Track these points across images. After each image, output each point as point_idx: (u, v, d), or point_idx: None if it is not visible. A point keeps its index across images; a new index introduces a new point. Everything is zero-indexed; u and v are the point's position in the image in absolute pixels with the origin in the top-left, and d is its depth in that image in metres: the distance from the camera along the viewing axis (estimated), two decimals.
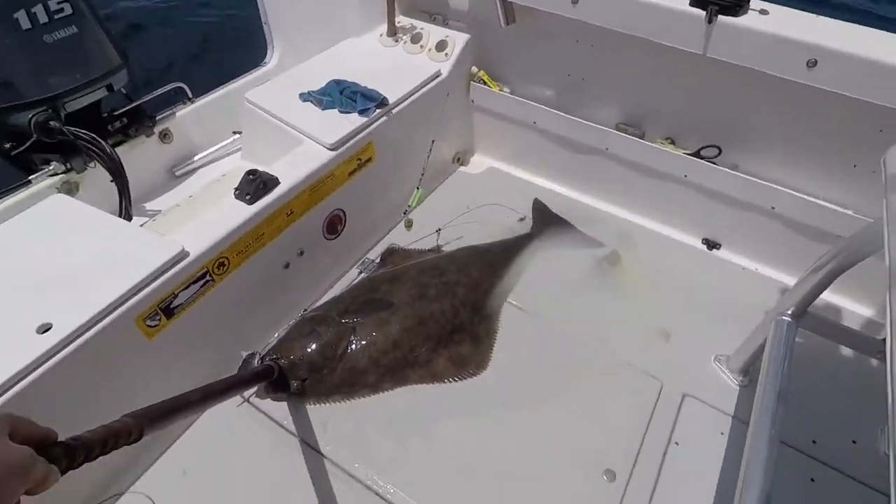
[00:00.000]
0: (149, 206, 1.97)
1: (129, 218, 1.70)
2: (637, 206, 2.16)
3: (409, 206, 2.00)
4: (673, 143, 2.03)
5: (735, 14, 1.60)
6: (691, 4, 1.62)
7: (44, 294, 1.18)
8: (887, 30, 1.58)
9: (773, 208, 1.86)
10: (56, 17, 1.58)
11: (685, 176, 1.96)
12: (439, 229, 2.02)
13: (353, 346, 1.51)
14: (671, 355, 1.68)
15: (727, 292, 1.89)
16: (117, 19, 4.35)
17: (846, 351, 1.70)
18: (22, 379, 1.06)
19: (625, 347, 1.68)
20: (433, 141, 1.98)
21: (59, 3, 1.58)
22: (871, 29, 1.58)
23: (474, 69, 2.19)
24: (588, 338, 1.71)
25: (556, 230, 2.06)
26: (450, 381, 1.56)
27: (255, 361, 1.44)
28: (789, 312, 1.41)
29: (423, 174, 1.98)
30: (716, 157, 1.94)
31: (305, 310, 1.68)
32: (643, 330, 1.75)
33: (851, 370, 1.69)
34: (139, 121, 1.90)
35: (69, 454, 0.63)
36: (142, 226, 1.74)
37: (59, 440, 0.63)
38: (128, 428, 0.74)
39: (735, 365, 1.63)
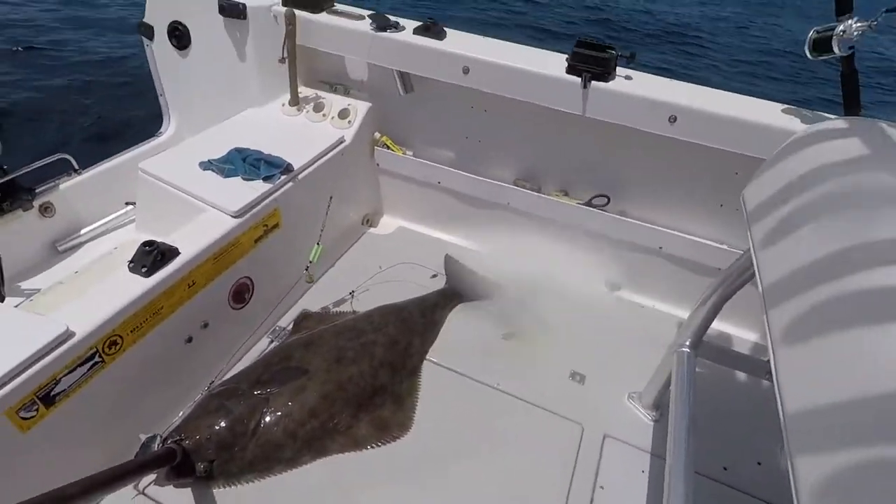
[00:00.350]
0: (26, 284, 1.79)
1: (1, 299, 1.53)
2: (541, 255, 2.28)
3: (310, 262, 1.95)
4: (567, 194, 2.21)
5: (605, 80, 1.82)
6: (567, 72, 1.83)
7: None
8: (733, 91, 1.88)
9: (660, 248, 2.06)
10: None
11: (580, 224, 2.13)
12: (353, 292, 2.00)
13: (267, 419, 1.42)
14: (588, 397, 1.75)
15: (632, 330, 2.02)
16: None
17: (741, 375, 1.86)
18: None
19: (543, 395, 1.73)
20: (331, 197, 1.99)
21: None
22: (721, 91, 1.87)
23: (377, 135, 2.28)
24: (507, 389, 1.73)
25: (467, 284, 2.12)
26: (372, 447, 1.50)
27: (156, 445, 1.31)
28: (686, 343, 1.52)
29: (322, 229, 1.97)
30: (605, 205, 2.13)
31: (212, 383, 1.57)
32: (559, 375, 1.81)
33: (749, 393, 1.84)
34: (15, 194, 1.76)
35: None
36: (16, 306, 1.57)
37: None
38: None
39: (647, 400, 1.72)
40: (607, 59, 1.81)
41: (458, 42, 1.99)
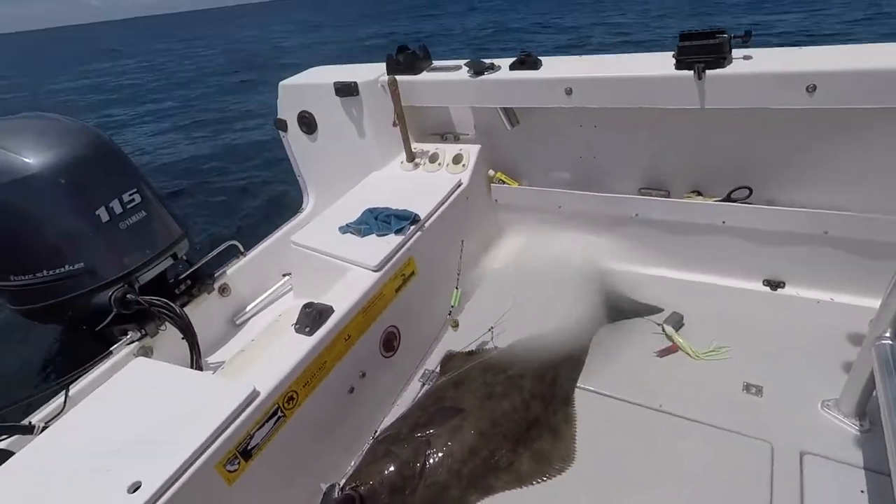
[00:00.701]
0: (216, 355, 2.08)
1: (200, 369, 1.79)
2: (684, 264, 2.13)
3: (451, 307, 2.04)
4: (701, 194, 2.06)
5: (721, 66, 1.70)
6: (677, 68, 1.75)
7: (133, 453, 1.23)
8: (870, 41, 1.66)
9: (826, 233, 1.81)
10: (128, 206, 1.82)
11: (723, 222, 1.96)
12: (492, 328, 2.02)
13: (431, 461, 1.46)
14: (771, 411, 1.54)
15: (807, 330, 1.78)
16: (178, 195, 4.97)
17: None
18: None
19: (717, 413, 1.56)
20: (462, 241, 2.07)
21: (130, 194, 1.83)
22: (860, 45, 1.66)
23: (491, 172, 2.34)
24: (672, 410, 1.60)
25: (609, 305, 2.03)
26: (537, 482, 1.46)
27: (336, 493, 1.40)
28: (887, 335, 1.30)
29: (458, 274, 2.04)
30: (748, 197, 1.95)
31: (376, 432, 1.66)
32: (730, 389, 1.63)
33: None
34: (201, 280, 2.08)
35: None
36: (213, 374, 1.82)
37: None
38: None
39: (847, 408, 1.48)
40: (719, 44, 1.70)
41: (556, 67, 2.01)
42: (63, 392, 1.66)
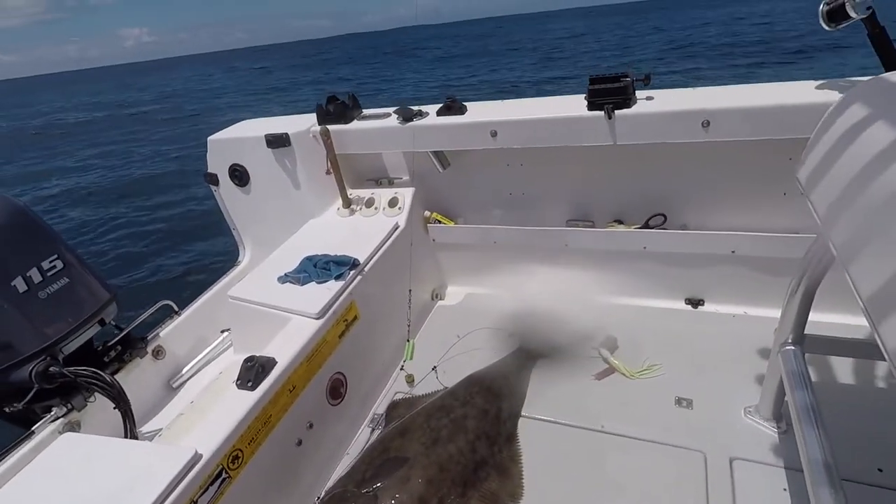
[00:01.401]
0: (153, 422, 1.97)
1: (135, 439, 1.69)
2: (614, 289, 2.26)
3: (404, 361, 2.05)
4: (622, 222, 2.21)
5: (628, 106, 1.88)
6: (589, 109, 1.91)
7: None
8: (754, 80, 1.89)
9: (733, 252, 1.99)
10: (48, 274, 1.72)
11: (644, 248, 2.11)
12: (435, 367, 2.05)
13: None
14: (701, 421, 1.66)
15: (727, 342, 1.93)
16: (102, 254, 4.70)
17: (862, 362, 1.71)
18: None
19: (654, 429, 1.66)
20: (410, 291, 2.11)
21: (50, 261, 1.74)
22: (745, 85, 1.88)
23: (427, 213, 2.41)
24: (613, 429, 1.68)
25: (545, 335, 2.11)
26: None
27: None
28: (789, 341, 1.44)
29: (409, 324, 2.08)
30: (663, 223, 2.11)
31: (323, 492, 1.61)
32: (663, 404, 1.74)
33: (876, 380, 1.68)
34: (132, 345, 1.98)
35: None
36: (150, 441, 1.72)
37: None
38: None
39: (766, 412, 1.61)
40: (623, 87, 1.88)
41: (480, 111, 2.14)
42: None
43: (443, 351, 2.12)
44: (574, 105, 1.97)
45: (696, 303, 2.17)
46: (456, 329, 2.23)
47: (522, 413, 1.79)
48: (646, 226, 2.12)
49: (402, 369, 2.08)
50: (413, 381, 2.04)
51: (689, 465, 1.53)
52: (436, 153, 2.25)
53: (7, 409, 1.70)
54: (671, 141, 1.84)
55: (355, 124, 2.30)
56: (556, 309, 2.23)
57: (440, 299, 2.50)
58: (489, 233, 2.34)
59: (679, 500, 1.44)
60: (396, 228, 2.22)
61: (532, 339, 2.10)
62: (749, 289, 2.04)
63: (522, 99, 2.21)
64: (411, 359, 2.08)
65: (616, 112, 1.87)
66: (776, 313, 1.97)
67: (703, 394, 1.74)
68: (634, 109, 1.87)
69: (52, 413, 1.72)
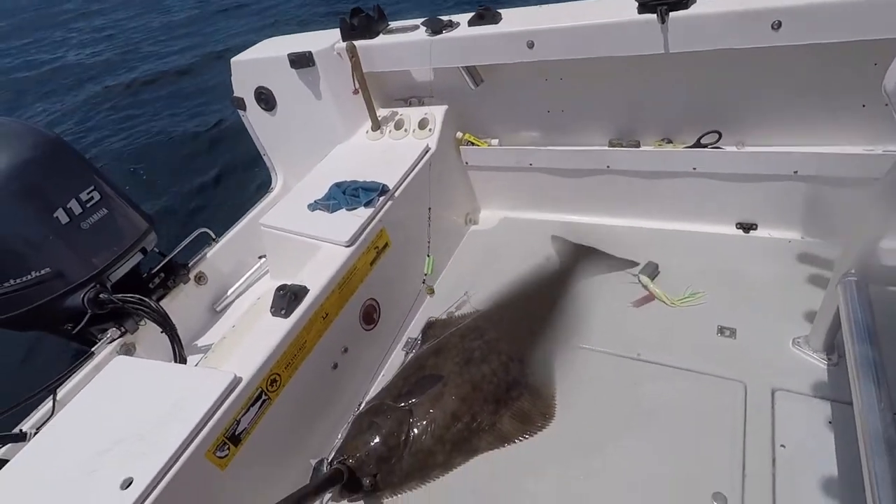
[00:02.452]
0: (200, 344, 2.09)
1: (183, 361, 1.80)
2: (657, 213, 2.13)
3: (425, 275, 2.04)
4: (671, 141, 2.04)
5: (685, 6, 1.65)
6: (640, 12, 1.69)
7: (122, 451, 1.25)
8: None
9: (795, 172, 1.81)
10: (87, 205, 1.77)
11: (694, 168, 1.95)
12: (466, 292, 2.03)
13: (415, 429, 1.50)
14: (744, 352, 1.59)
15: (779, 270, 1.81)
16: (138, 187, 4.84)
17: None
18: None
19: (693, 358, 1.60)
20: (430, 208, 2.05)
21: (88, 193, 1.78)
22: None
23: (459, 134, 2.30)
24: (649, 357, 1.64)
25: (583, 259, 2.05)
26: (521, 440, 1.51)
27: (325, 467, 1.45)
28: (852, 272, 1.32)
29: (429, 241, 2.04)
30: (717, 141, 1.93)
31: (360, 405, 1.69)
32: (705, 333, 1.67)
33: None
34: (175, 272, 2.06)
35: None
36: (196, 365, 1.83)
37: None
38: None
39: (817, 344, 1.52)
40: None
41: (516, 19, 1.94)
42: (51, 397, 1.68)
43: (476, 276, 2.10)
44: (622, 8, 1.74)
45: (747, 227, 2.02)
46: (489, 254, 2.19)
47: (557, 339, 1.78)
48: (697, 144, 1.94)
49: (423, 283, 2.07)
50: (433, 292, 2.06)
51: (728, 395, 1.49)
52: (468, 68, 2.09)
53: (69, 331, 1.82)
54: (734, 46, 1.62)
55: (381, 39, 2.15)
56: (594, 234, 2.15)
57: (473, 224, 2.45)
58: (525, 154, 2.21)
59: (714, 428, 1.42)
60: (427, 151, 2.12)
61: (569, 264, 2.04)
62: (809, 213, 1.87)
63: (563, 3, 1.98)
64: (431, 272, 2.06)
65: (671, 14, 1.65)
66: (837, 239, 1.83)
67: (748, 323, 1.66)
68: (693, 10, 1.64)
69: (108, 335, 1.84)
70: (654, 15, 1.65)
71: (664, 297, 1.82)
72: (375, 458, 1.45)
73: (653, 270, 1.92)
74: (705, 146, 1.93)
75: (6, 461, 1.40)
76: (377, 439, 1.47)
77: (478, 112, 2.28)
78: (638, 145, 2.06)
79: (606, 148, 2.08)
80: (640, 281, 1.90)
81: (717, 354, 1.60)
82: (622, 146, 2.07)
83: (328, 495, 1.45)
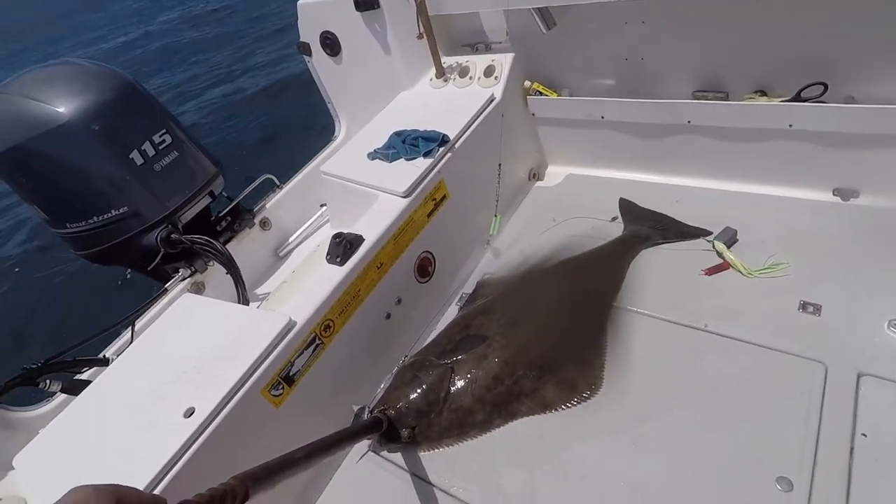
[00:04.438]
0: (263, 287, 2.17)
1: (246, 303, 1.88)
2: (741, 174, 1.94)
3: (490, 235, 1.98)
4: (765, 94, 1.82)
5: None
6: None
7: (186, 382, 1.33)
8: None
9: None
10: (160, 147, 1.84)
11: (790, 126, 1.73)
12: (524, 251, 1.96)
13: (455, 387, 1.49)
14: (829, 331, 1.43)
15: (880, 245, 1.60)
16: (205, 131, 5.00)
17: None
18: (179, 458, 1.18)
19: (767, 332, 1.46)
20: (500, 165, 1.97)
21: (160, 136, 1.85)
22: None
23: (527, 83, 2.17)
24: (719, 330, 1.51)
25: (653, 222, 1.91)
26: (564, 408, 1.46)
27: (366, 414, 1.48)
28: None
29: (497, 200, 1.97)
30: (822, 95, 1.70)
31: (405, 356, 1.70)
32: (785, 308, 1.51)
33: None
34: (241, 216, 2.13)
35: None
36: (258, 307, 1.91)
37: None
38: (233, 490, 0.78)
39: None
40: None
41: None
42: (130, 327, 1.81)
43: (536, 234, 2.02)
44: None
45: (847, 194, 1.79)
46: (553, 212, 2.10)
47: (616, 304, 1.69)
48: (797, 98, 1.71)
49: (487, 244, 2.02)
50: (498, 254, 2.00)
51: (805, 376, 1.35)
52: (540, 10, 1.94)
53: (145, 268, 1.95)
54: None
55: None
56: (668, 195, 1.99)
57: (538, 180, 2.34)
58: (598, 106, 2.06)
59: (786, 409, 1.30)
60: (492, 101, 2.02)
61: (638, 224, 1.91)
62: None
63: None
64: (497, 233, 2.00)
65: None
66: None
67: (836, 300, 1.49)
68: None
69: (180, 274, 1.95)
70: None
71: (741, 266, 1.67)
72: (415, 410, 1.46)
73: (730, 237, 1.75)
74: (806, 100, 1.70)
75: (90, 382, 1.54)
76: (418, 393, 1.48)
77: (548, 59, 2.13)
78: (726, 98, 1.85)
79: (689, 101, 1.89)
80: (714, 248, 1.74)
81: (796, 331, 1.46)
82: (707, 99, 1.87)
83: (367, 441, 1.49)
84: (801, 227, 1.73)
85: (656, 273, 1.74)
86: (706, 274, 1.69)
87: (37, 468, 1.27)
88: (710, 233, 1.79)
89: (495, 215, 1.99)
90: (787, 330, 1.46)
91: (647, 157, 2.08)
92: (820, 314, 1.48)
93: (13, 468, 1.29)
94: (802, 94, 1.71)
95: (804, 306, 1.51)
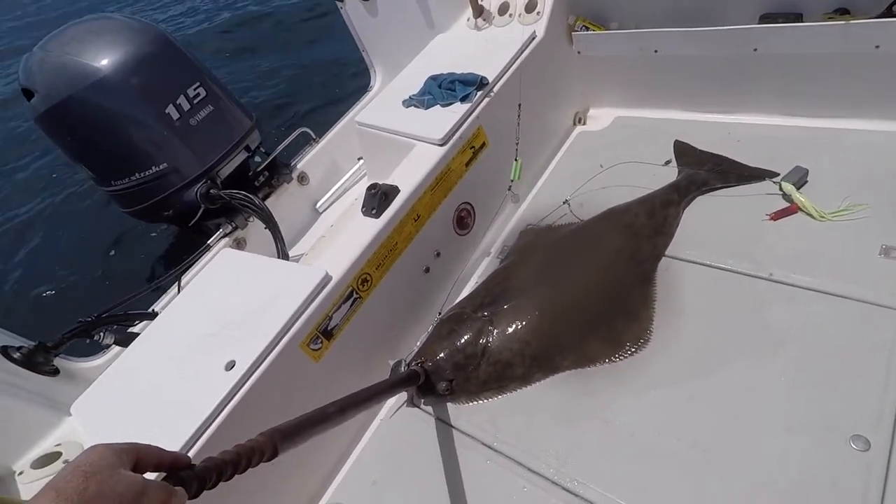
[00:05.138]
0: (302, 242, 2.17)
1: (285, 258, 1.88)
2: (814, 108, 1.73)
3: (511, 181, 1.84)
4: (848, 12, 1.60)
5: None
6: None
7: (227, 335, 1.34)
8: None
9: None
10: (195, 101, 1.82)
11: (877, 47, 1.52)
12: (567, 200, 1.84)
13: (493, 340, 1.44)
14: None
15: None
16: (237, 84, 4.91)
17: None
18: (221, 410, 1.20)
19: (842, 280, 1.32)
20: (519, 105, 1.81)
21: (195, 89, 1.83)
22: None
23: (571, 18, 2.00)
24: (785, 279, 1.38)
25: (711, 163, 1.75)
26: (608, 362, 1.38)
27: (402, 368, 1.46)
28: None
29: (517, 142, 1.82)
30: None
31: (442, 309, 1.65)
32: (864, 254, 1.36)
33: None
34: (278, 171, 2.12)
35: (199, 477, 0.65)
36: (298, 260, 1.90)
37: (190, 464, 0.66)
38: (260, 447, 0.75)
39: None
40: None
41: None
42: (176, 282, 1.85)
43: (580, 183, 1.89)
44: None
45: None
46: (599, 158, 1.96)
47: (668, 253, 1.57)
48: (889, 12, 1.49)
49: (509, 189, 1.88)
50: (518, 200, 1.90)
51: (880, 325, 1.22)
52: None
53: (188, 224, 1.97)
54: None
55: None
56: (730, 133, 1.81)
57: (582, 124, 2.19)
58: (650, 38, 1.87)
59: (863, 363, 1.18)
60: (533, 39, 1.88)
61: (694, 168, 1.76)
62: None
63: None
64: (519, 178, 1.86)
65: None
66: None
67: None
68: None
69: (221, 230, 1.96)
70: None
71: (812, 208, 1.50)
72: (452, 364, 1.43)
73: (800, 177, 1.58)
74: None
75: (138, 335, 1.58)
76: (456, 346, 1.44)
77: None
78: (800, 19, 1.64)
79: (756, 25, 1.69)
80: (780, 189, 1.58)
81: (876, 278, 1.31)
82: (777, 21, 1.66)
83: (404, 394, 1.47)
84: (884, 164, 1.53)
85: (715, 219, 1.60)
86: (771, 219, 1.54)
87: (92, 416, 1.33)
88: (777, 174, 1.62)
89: (515, 159, 1.86)
90: (866, 276, 1.32)
91: (706, 94, 1.90)
92: None
93: (71, 415, 1.36)
94: (894, 9, 1.49)
95: (886, 251, 1.35)
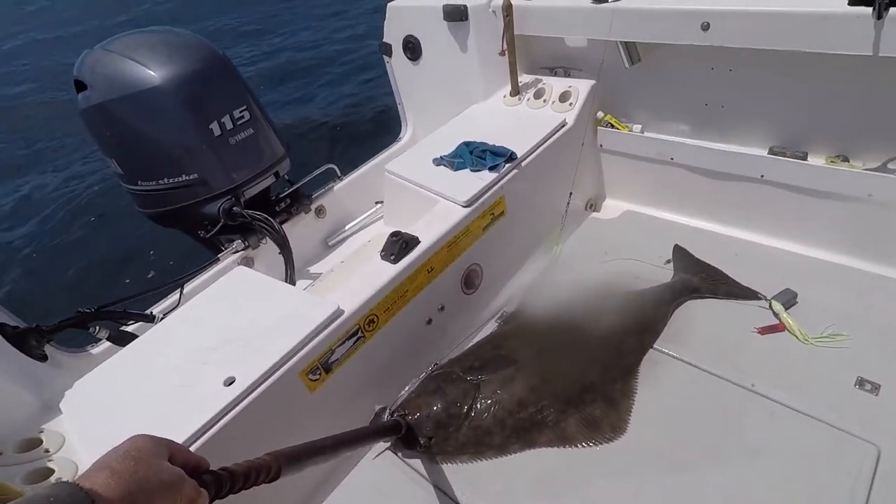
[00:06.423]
0: (307, 273, 2.21)
1: (293, 283, 1.91)
2: (809, 237, 1.87)
3: (553, 259, 1.93)
4: (847, 160, 1.77)
5: None
6: (851, 3, 1.45)
7: (229, 351, 1.35)
8: None
9: None
10: (238, 123, 1.90)
11: (870, 195, 1.68)
12: (571, 280, 1.93)
13: (478, 405, 1.47)
14: (886, 412, 1.36)
15: None
16: (278, 113, 5.14)
17: None
18: (215, 423, 1.20)
19: (818, 404, 1.40)
20: (571, 194, 1.95)
21: (240, 112, 1.91)
22: None
23: (600, 114, 2.16)
24: (766, 392, 1.45)
25: (708, 272, 1.86)
26: (582, 446, 1.42)
27: (385, 416, 1.47)
28: None
29: (562, 228, 1.93)
30: None
31: (435, 364, 1.68)
32: (840, 382, 1.45)
33: None
34: (299, 200, 2.18)
35: (217, 482, 0.68)
36: (304, 289, 1.94)
37: (210, 470, 0.70)
38: (268, 465, 0.79)
39: None
40: None
41: None
42: (179, 289, 1.86)
43: (585, 266, 1.99)
44: None
45: None
46: (605, 246, 2.07)
47: (656, 346, 1.65)
48: (884, 168, 1.66)
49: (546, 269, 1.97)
50: (544, 279, 1.96)
51: (855, 456, 1.29)
52: (626, 44, 1.94)
53: (202, 236, 2.00)
54: None
55: (539, 1, 2.05)
56: (728, 246, 1.94)
57: (594, 211, 2.32)
58: (668, 146, 2.03)
59: (829, 488, 1.24)
60: (563, 126, 2.02)
61: (690, 273, 1.87)
62: None
63: None
64: (557, 258, 1.96)
65: (892, 9, 1.39)
66: None
67: None
68: None
69: (234, 245, 2.00)
70: (870, 9, 1.41)
71: (798, 330, 1.61)
72: (434, 421, 1.44)
73: (789, 299, 1.69)
74: (892, 171, 1.64)
75: (136, 336, 1.58)
76: (440, 404, 1.47)
77: (626, 93, 2.12)
78: (804, 158, 1.81)
79: (766, 155, 1.85)
80: (770, 307, 1.69)
81: (850, 408, 1.39)
82: (785, 156, 1.83)
83: (384, 444, 1.48)
84: (866, 302, 1.65)
85: (705, 322, 1.69)
86: (759, 332, 1.64)
87: (81, 409, 1.31)
88: (764, 297, 1.72)
89: (557, 245, 1.95)
90: (841, 404, 1.40)
91: (711, 205, 2.04)
92: (878, 394, 1.41)
93: (54, 403, 1.34)
94: (889, 166, 1.66)
95: (861, 382, 1.44)
